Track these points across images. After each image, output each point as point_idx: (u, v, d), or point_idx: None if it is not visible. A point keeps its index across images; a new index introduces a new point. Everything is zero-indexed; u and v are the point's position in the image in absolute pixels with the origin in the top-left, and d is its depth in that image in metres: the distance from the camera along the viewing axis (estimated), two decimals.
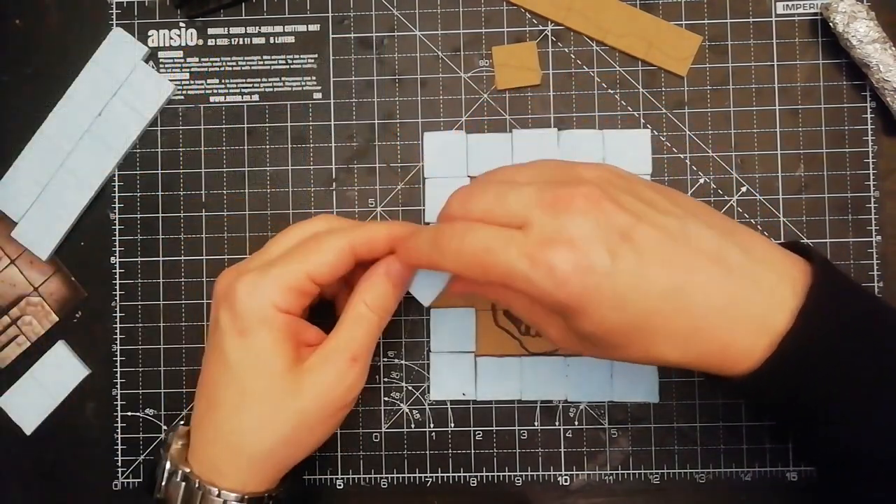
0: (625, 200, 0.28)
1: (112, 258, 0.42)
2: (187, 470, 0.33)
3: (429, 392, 0.41)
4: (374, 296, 0.34)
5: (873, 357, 0.28)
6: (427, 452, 0.41)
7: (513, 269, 0.27)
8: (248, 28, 0.42)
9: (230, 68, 0.42)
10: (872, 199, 0.40)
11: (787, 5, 0.41)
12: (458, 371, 0.40)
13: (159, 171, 0.42)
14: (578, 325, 0.28)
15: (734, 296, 0.28)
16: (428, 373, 0.41)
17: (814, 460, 0.32)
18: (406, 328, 0.41)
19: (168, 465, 0.34)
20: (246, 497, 0.33)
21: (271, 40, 0.42)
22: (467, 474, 0.41)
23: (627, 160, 0.40)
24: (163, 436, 0.35)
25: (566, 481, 0.40)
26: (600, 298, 0.27)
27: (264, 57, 0.42)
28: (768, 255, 0.29)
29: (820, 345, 0.27)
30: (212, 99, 0.42)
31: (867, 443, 0.28)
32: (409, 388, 0.41)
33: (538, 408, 0.41)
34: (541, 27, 0.42)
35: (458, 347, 0.40)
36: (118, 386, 0.42)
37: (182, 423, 0.40)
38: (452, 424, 0.41)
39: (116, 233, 0.42)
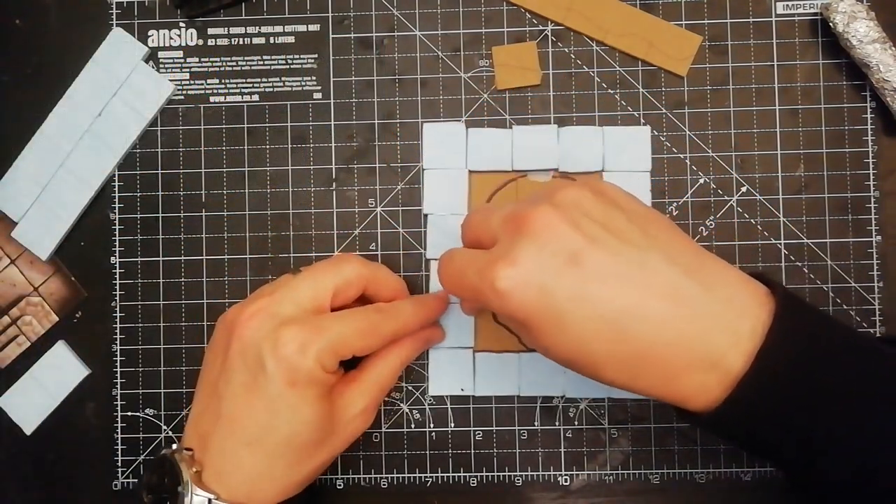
0: (584, 224, 0.29)
1: (112, 258, 0.42)
2: (216, 498, 0.33)
3: (427, 387, 0.41)
4: (409, 354, 0.38)
5: (834, 395, 0.28)
6: (427, 452, 0.41)
7: (473, 286, 0.30)
8: (248, 28, 0.42)
9: (230, 68, 0.42)
10: (872, 199, 0.40)
11: (787, 5, 0.41)
12: (457, 367, 0.40)
13: (159, 171, 0.42)
14: (527, 339, 0.30)
15: (683, 333, 0.28)
16: (427, 371, 0.41)
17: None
18: None
19: (196, 495, 0.33)
20: None
21: (271, 40, 0.42)
22: (467, 474, 0.41)
23: (627, 157, 0.40)
24: (168, 453, 0.34)
25: (566, 481, 0.40)
26: (541, 316, 0.28)
27: (264, 57, 0.42)
28: (731, 294, 0.29)
29: (778, 386, 0.28)
30: (212, 99, 0.42)
31: (828, 472, 0.28)
32: (409, 387, 0.41)
33: (538, 408, 0.41)
34: (541, 27, 0.42)
35: (457, 343, 0.41)
36: (118, 386, 0.42)
37: (173, 445, 0.36)
38: (452, 424, 0.41)
39: (116, 233, 0.42)
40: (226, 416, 0.33)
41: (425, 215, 0.41)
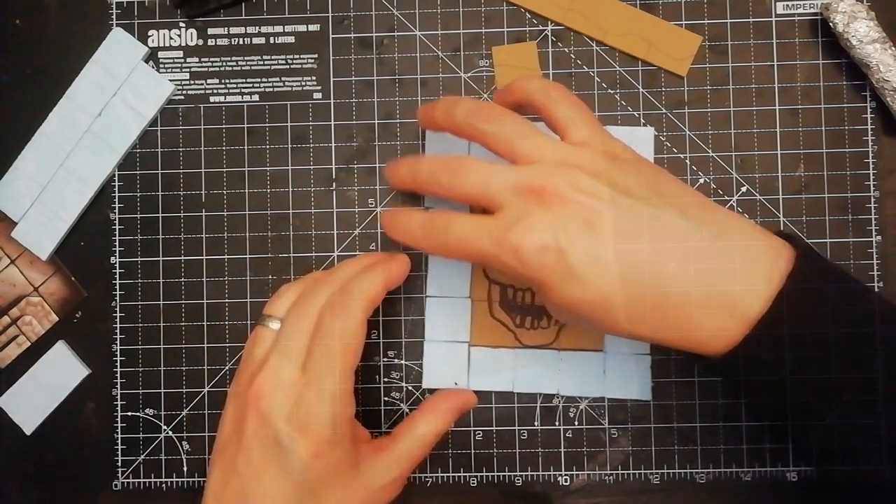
0: (595, 189, 0.30)
1: (112, 258, 0.42)
2: None
3: (421, 379, 0.41)
4: (439, 426, 0.36)
5: (842, 342, 0.29)
6: None
7: (487, 252, 0.31)
8: (248, 28, 0.42)
9: (230, 68, 0.42)
10: (872, 199, 0.40)
11: (787, 5, 0.41)
12: (452, 360, 0.40)
13: (159, 171, 0.42)
14: (547, 299, 0.32)
15: (700, 282, 0.29)
16: (421, 364, 0.41)
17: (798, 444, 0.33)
18: (406, 328, 0.41)
19: None
20: None
21: (271, 40, 0.42)
22: (467, 474, 0.41)
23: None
24: None
25: (566, 481, 0.40)
26: (560, 275, 0.30)
27: (264, 57, 0.42)
28: (746, 242, 0.30)
29: (794, 328, 0.29)
30: (212, 99, 0.42)
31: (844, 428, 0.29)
32: (409, 388, 0.41)
33: (538, 408, 0.41)
34: (541, 27, 0.42)
35: (453, 337, 0.41)
36: (118, 386, 0.42)
37: None
38: (452, 424, 0.41)
39: (116, 233, 0.42)
40: (252, 497, 0.32)
41: (427, 208, 0.41)
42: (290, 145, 0.42)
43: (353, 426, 0.35)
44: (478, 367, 0.40)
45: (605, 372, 0.40)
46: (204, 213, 0.42)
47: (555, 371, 0.40)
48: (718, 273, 0.29)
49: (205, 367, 0.41)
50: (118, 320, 0.42)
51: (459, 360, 0.41)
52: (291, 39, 0.42)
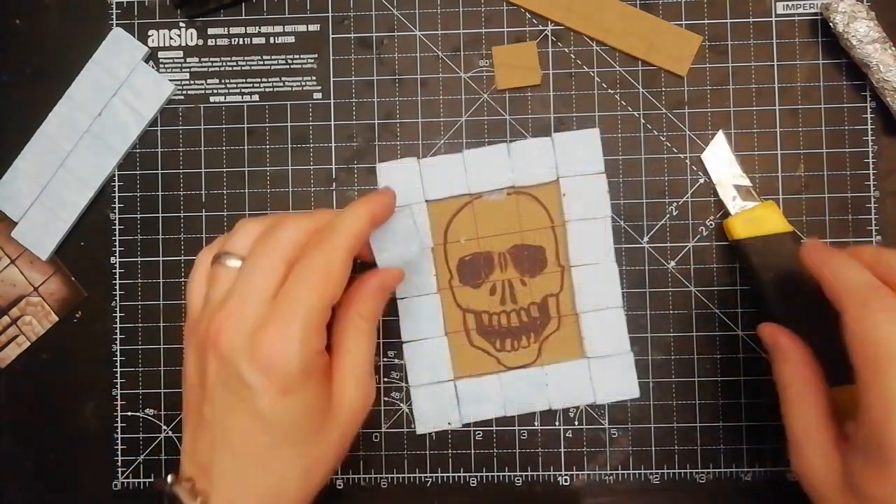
0: None
1: (112, 258, 0.42)
2: None
3: (414, 426, 0.40)
4: (369, 308, 0.34)
5: None
6: (427, 452, 0.41)
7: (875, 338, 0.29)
8: (248, 28, 0.42)
9: (230, 68, 0.42)
10: (872, 199, 0.40)
11: (787, 5, 0.41)
12: (440, 400, 0.40)
13: (159, 171, 0.42)
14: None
15: None
16: (411, 411, 0.40)
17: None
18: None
19: None
20: None
21: (271, 40, 0.42)
22: (467, 474, 0.41)
23: (579, 161, 0.40)
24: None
25: (566, 481, 0.40)
26: None
27: (264, 57, 0.42)
28: None
29: None
30: (212, 99, 0.42)
31: None
32: (409, 387, 0.41)
33: None
34: (541, 27, 0.42)
35: (436, 378, 0.40)
36: (118, 386, 0.42)
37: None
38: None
39: (116, 233, 0.42)
40: (222, 443, 0.31)
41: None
42: (290, 145, 0.42)
43: (327, 362, 0.32)
44: (467, 400, 0.40)
45: (592, 378, 0.40)
46: (204, 214, 0.42)
47: (543, 387, 0.40)
48: None
49: None
50: (118, 320, 0.42)
51: (447, 397, 0.40)
52: (291, 39, 0.42)
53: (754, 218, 0.39)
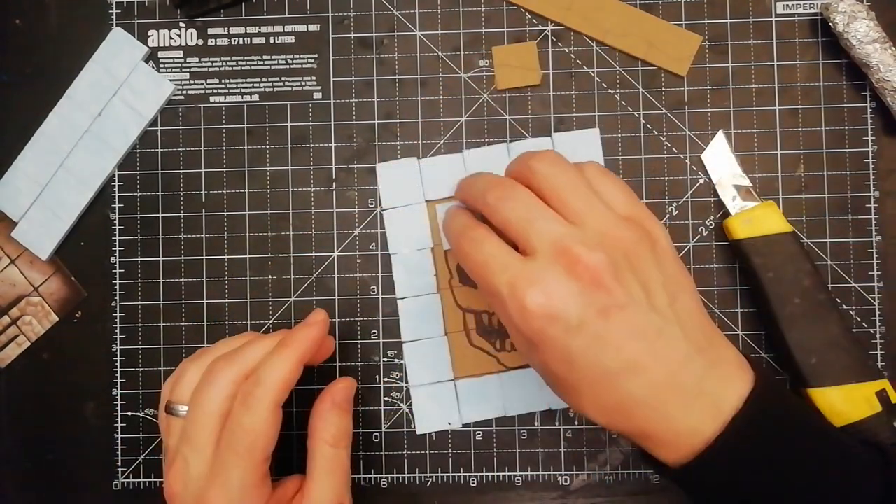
0: (627, 281, 0.30)
1: (112, 258, 0.42)
2: None
3: (414, 426, 0.41)
4: (333, 431, 0.35)
5: (790, 466, 0.30)
6: (427, 452, 0.41)
7: (497, 290, 0.30)
8: (248, 28, 0.42)
9: (230, 68, 0.42)
10: (872, 199, 0.40)
11: (787, 5, 0.41)
12: (441, 400, 0.40)
13: (159, 171, 0.42)
14: (528, 355, 0.32)
15: (669, 402, 0.29)
16: (412, 411, 0.41)
17: None
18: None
19: None
20: None
21: (271, 40, 0.42)
22: (467, 474, 0.41)
23: (578, 160, 0.40)
24: None
25: (566, 481, 0.40)
26: (553, 347, 0.29)
27: (264, 57, 0.42)
28: (729, 373, 0.30)
29: (741, 450, 0.29)
30: (212, 99, 0.42)
31: None
32: (409, 387, 0.41)
33: None
34: (541, 27, 0.42)
35: (437, 378, 0.40)
36: (118, 386, 0.42)
37: None
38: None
39: (116, 233, 0.42)
40: None
41: (392, 254, 0.41)
42: (290, 145, 0.42)
43: (277, 496, 0.34)
44: (467, 400, 0.40)
45: None
46: (204, 213, 0.42)
47: (542, 387, 0.40)
48: (691, 400, 0.29)
49: None
50: (118, 320, 0.42)
51: (448, 397, 0.40)
52: (291, 39, 0.42)
53: (754, 218, 0.39)
